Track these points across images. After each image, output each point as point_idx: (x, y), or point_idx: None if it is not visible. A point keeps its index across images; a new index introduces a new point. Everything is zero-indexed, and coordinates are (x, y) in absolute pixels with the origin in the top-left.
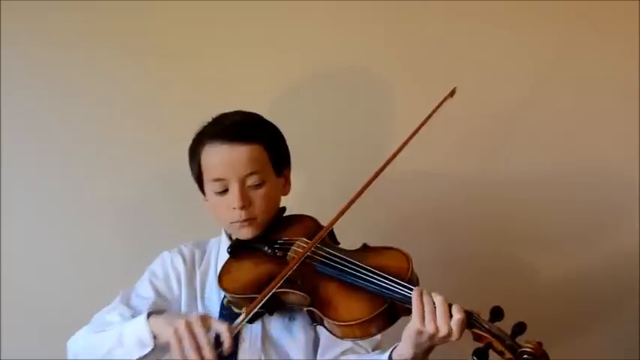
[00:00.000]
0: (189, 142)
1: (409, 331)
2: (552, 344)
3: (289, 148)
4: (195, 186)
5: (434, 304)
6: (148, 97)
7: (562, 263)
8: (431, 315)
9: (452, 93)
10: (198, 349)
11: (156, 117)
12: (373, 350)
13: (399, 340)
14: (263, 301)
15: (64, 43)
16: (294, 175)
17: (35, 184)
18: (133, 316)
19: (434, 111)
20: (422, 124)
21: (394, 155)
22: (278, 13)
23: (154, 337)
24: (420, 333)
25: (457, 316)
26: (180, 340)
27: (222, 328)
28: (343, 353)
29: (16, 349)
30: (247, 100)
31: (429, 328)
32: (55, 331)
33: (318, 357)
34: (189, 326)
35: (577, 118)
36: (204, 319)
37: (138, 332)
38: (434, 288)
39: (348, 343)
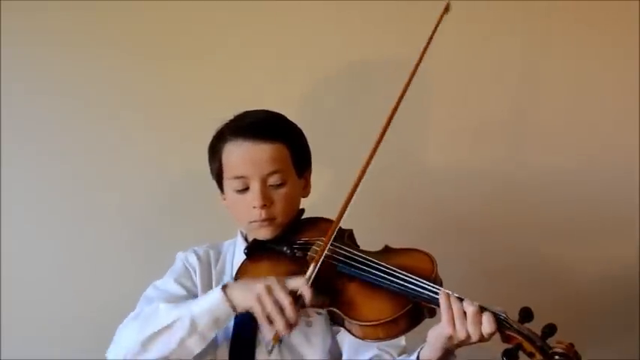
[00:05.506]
0: (189, 141)
1: (438, 335)
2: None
3: None
4: (199, 185)
5: (463, 309)
6: (148, 96)
7: (557, 263)
8: (461, 320)
9: (446, 9)
10: (281, 310)
11: (156, 117)
12: (399, 356)
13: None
14: (329, 244)
15: (64, 43)
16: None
17: (35, 184)
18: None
19: (433, 32)
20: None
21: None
22: (283, 14)
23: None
24: (450, 338)
25: (489, 328)
26: (262, 304)
27: (298, 283)
28: None
29: (16, 349)
30: (257, 101)
31: (460, 334)
32: (55, 331)
33: None
34: (269, 289)
35: (576, 118)
36: (280, 280)
37: (213, 309)
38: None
39: (371, 352)
